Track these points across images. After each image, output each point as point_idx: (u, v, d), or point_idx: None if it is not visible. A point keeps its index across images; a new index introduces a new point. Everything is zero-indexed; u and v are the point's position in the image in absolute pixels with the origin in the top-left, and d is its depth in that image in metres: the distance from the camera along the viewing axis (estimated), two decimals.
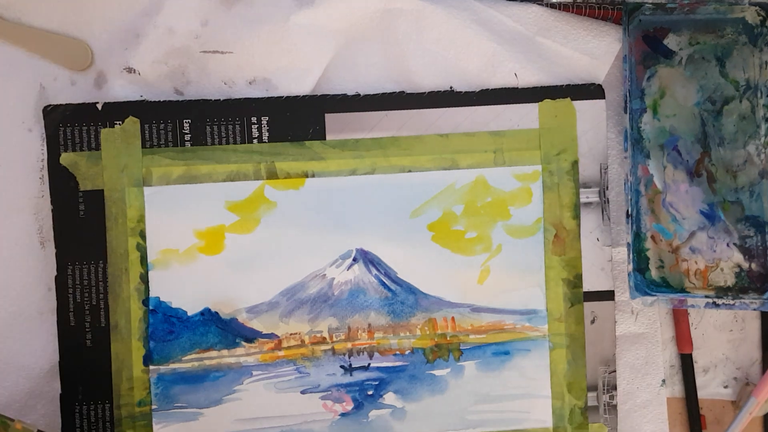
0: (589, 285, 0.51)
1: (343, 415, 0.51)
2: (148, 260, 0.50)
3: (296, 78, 0.51)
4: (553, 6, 0.51)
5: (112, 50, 0.51)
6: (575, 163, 0.51)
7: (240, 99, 0.50)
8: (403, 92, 0.51)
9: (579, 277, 0.51)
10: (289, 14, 0.51)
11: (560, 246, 0.51)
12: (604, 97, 0.51)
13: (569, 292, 0.51)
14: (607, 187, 0.51)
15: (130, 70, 0.51)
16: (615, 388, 0.51)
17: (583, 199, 0.51)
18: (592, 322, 0.51)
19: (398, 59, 0.52)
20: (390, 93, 0.51)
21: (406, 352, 0.51)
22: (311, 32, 0.51)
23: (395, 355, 0.51)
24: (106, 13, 0.51)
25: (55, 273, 0.50)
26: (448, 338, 0.51)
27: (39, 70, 0.51)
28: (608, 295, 0.51)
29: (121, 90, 0.51)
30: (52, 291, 0.50)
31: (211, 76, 0.51)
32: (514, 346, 0.51)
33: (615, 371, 0.51)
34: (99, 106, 0.50)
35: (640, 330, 0.52)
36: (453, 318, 0.51)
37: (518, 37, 0.52)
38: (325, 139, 0.51)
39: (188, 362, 0.50)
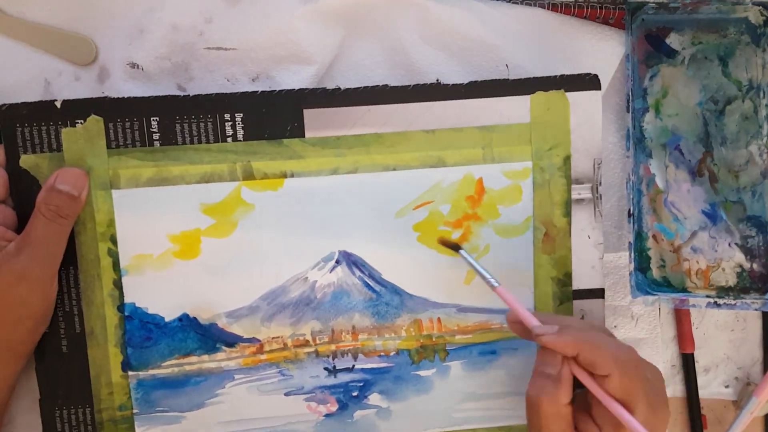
0: (579, 283, 0.50)
1: (327, 415, 0.50)
2: (121, 266, 0.48)
3: (299, 75, 0.49)
4: (555, 5, 0.49)
5: (116, 45, 0.50)
6: (568, 159, 0.49)
7: (211, 95, 0.47)
8: (386, 86, 0.47)
9: (568, 276, 0.50)
10: (292, 11, 0.48)
11: (550, 244, 0.49)
12: (600, 88, 0.48)
13: (558, 291, 0.50)
14: (600, 183, 0.49)
15: (134, 66, 0.49)
16: None
17: (574, 195, 0.49)
18: (581, 319, 0.50)
19: (402, 56, 0.50)
20: (373, 87, 0.47)
21: (391, 354, 0.50)
22: (315, 29, 0.49)
23: (380, 356, 0.50)
24: (111, 9, 0.50)
25: None
26: (434, 339, 0.50)
27: (43, 65, 0.50)
28: (598, 293, 0.50)
29: (124, 85, 0.49)
30: None
31: (215, 72, 0.49)
32: (501, 345, 0.50)
33: None
34: (58, 104, 0.46)
35: (639, 335, 0.52)
36: (439, 318, 0.50)
37: (522, 39, 0.49)
38: (304, 136, 0.48)
39: (168, 368, 0.49)
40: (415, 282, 0.49)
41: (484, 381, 0.50)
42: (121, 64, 0.49)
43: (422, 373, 0.50)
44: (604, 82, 0.50)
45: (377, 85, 0.47)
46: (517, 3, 0.50)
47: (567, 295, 0.50)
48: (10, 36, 0.49)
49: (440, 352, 0.50)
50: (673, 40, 0.50)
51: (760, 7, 0.49)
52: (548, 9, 0.50)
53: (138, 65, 0.49)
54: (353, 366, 0.50)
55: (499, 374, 0.50)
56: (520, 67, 0.50)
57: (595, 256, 0.50)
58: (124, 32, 0.49)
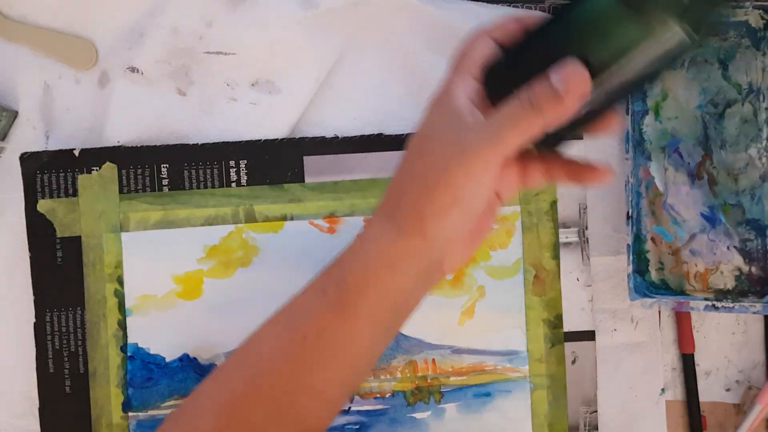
0: (569, 325, 0.51)
1: None
2: (126, 306, 0.50)
3: (299, 80, 0.51)
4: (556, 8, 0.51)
5: (117, 49, 0.51)
6: (554, 203, 0.51)
7: (218, 143, 0.50)
8: (381, 134, 0.51)
9: (559, 318, 0.51)
10: (293, 16, 0.50)
11: (540, 286, 0.51)
12: (582, 138, 0.51)
13: (550, 333, 0.51)
14: (587, 227, 0.51)
15: (134, 70, 0.51)
16: (596, 428, 0.51)
17: (562, 239, 0.51)
18: (573, 362, 0.51)
19: (402, 62, 0.51)
20: (368, 135, 0.51)
21: (387, 395, 0.51)
22: (315, 35, 0.51)
23: (376, 398, 0.51)
24: (111, 13, 0.51)
25: (33, 320, 0.50)
26: (429, 380, 0.51)
27: (44, 68, 0.51)
28: (589, 335, 0.51)
29: (124, 89, 0.50)
30: (30, 338, 0.50)
31: (214, 77, 0.51)
32: (495, 388, 0.51)
33: (596, 411, 0.51)
34: (76, 153, 0.50)
35: (640, 339, 0.52)
36: (434, 360, 0.51)
37: None
38: (303, 181, 0.51)
39: (167, 408, 0.50)
40: (410, 323, 0.50)
41: (478, 424, 0.51)
42: (121, 67, 0.50)
43: (417, 415, 0.51)
44: None
45: (372, 134, 0.51)
46: (518, 6, 0.52)
47: (558, 337, 0.51)
48: (11, 39, 0.51)
49: (435, 393, 0.51)
50: None
51: (761, 11, 0.50)
52: (548, 12, 0.51)
53: (138, 69, 0.50)
54: (349, 408, 0.51)
55: (494, 417, 0.51)
56: None
57: (585, 298, 0.51)
58: (125, 36, 0.51)
